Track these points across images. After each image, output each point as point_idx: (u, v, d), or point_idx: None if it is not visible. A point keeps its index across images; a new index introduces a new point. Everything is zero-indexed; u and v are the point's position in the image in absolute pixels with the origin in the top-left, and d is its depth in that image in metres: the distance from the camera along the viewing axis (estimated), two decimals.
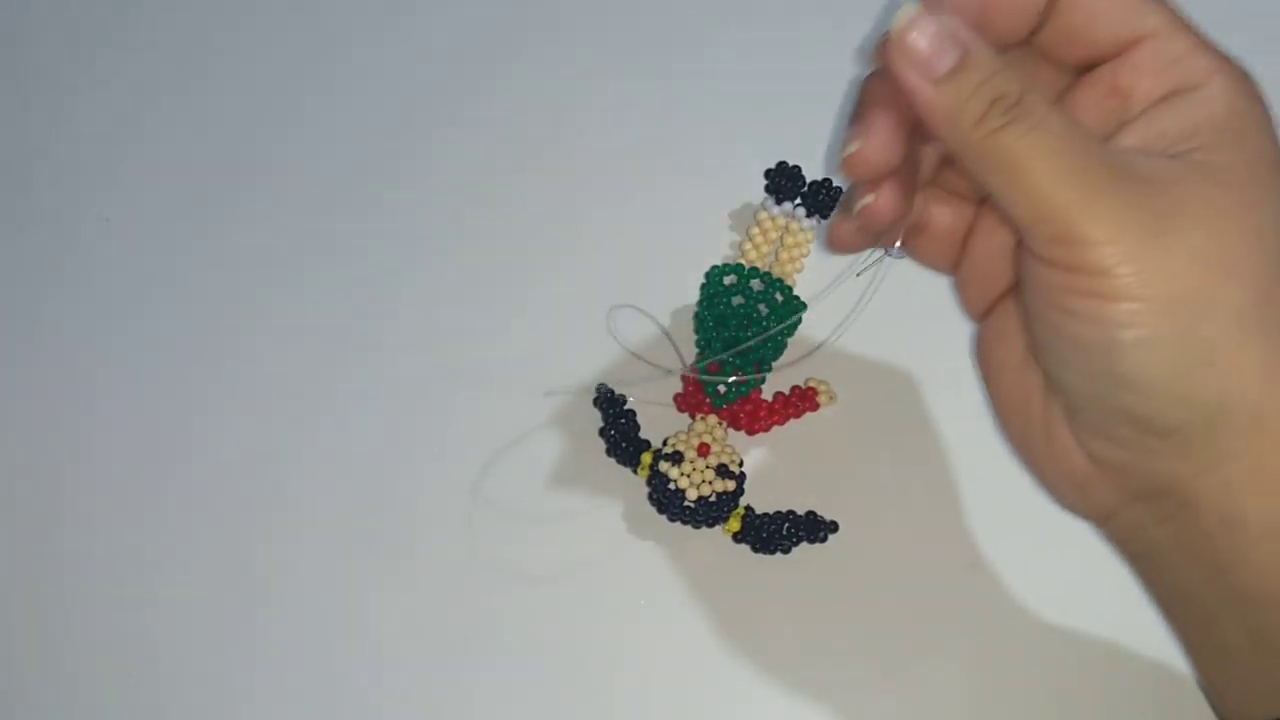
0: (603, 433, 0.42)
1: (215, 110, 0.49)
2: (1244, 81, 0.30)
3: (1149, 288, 0.28)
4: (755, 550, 0.40)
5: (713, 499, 0.40)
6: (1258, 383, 0.29)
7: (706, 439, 0.41)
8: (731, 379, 0.41)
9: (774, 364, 0.42)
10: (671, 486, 0.40)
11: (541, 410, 0.43)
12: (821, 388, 0.42)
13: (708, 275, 0.43)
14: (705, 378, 0.41)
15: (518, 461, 0.42)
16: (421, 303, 0.45)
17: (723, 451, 0.40)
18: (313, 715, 0.40)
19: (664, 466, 0.40)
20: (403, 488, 0.42)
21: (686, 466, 0.40)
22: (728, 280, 0.43)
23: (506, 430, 0.43)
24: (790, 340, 0.42)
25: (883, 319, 0.42)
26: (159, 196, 0.48)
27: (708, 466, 0.40)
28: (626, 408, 0.42)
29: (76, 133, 0.49)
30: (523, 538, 0.42)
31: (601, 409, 0.42)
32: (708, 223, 0.45)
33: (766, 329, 0.42)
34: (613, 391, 0.42)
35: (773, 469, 0.42)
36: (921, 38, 0.29)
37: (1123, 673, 0.39)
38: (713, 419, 0.41)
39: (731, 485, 0.40)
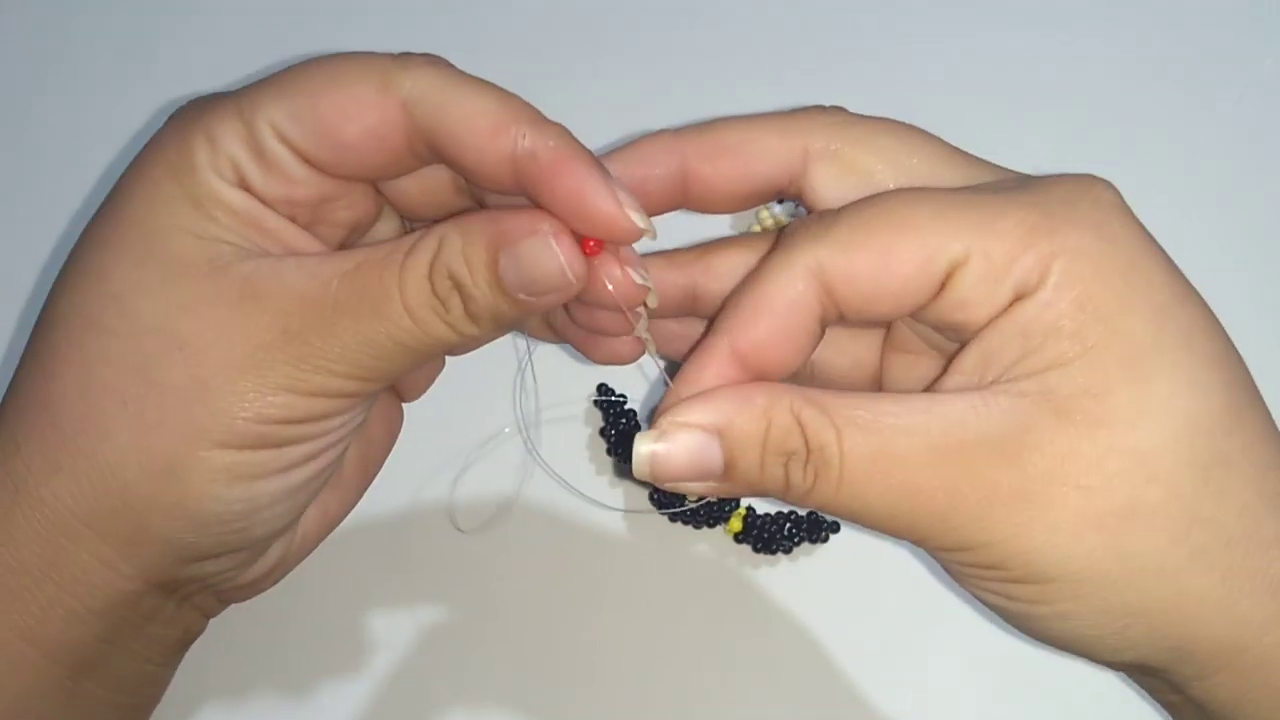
0: (604, 432, 0.42)
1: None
2: (1101, 240, 0.25)
3: (1046, 569, 0.25)
4: (756, 550, 0.40)
5: (714, 499, 0.40)
6: (1213, 619, 0.25)
7: None
8: None
9: None
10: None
11: (542, 410, 0.43)
12: None
13: None
14: None
15: (518, 461, 0.42)
16: None
17: None
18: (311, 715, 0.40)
19: None
20: (398, 489, 0.42)
21: None
22: None
23: (507, 430, 0.43)
24: None
25: None
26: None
27: None
28: (627, 407, 0.42)
29: (77, 133, 0.49)
30: (524, 538, 0.42)
31: (602, 409, 0.42)
32: (707, 221, 0.45)
33: None
34: (613, 391, 0.42)
35: None
36: (674, 464, 0.26)
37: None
38: None
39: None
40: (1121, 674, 0.30)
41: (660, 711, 0.40)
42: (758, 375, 0.27)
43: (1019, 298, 0.25)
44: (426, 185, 0.30)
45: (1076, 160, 0.46)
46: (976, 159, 0.29)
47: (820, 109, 0.30)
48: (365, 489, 0.34)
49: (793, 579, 0.40)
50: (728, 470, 0.26)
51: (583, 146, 0.27)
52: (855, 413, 0.25)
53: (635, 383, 0.43)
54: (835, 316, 0.27)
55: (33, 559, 0.28)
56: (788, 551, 0.40)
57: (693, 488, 0.27)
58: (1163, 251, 0.26)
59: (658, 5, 0.50)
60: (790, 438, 0.26)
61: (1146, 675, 0.28)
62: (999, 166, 0.29)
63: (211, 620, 0.33)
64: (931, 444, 0.25)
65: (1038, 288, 0.25)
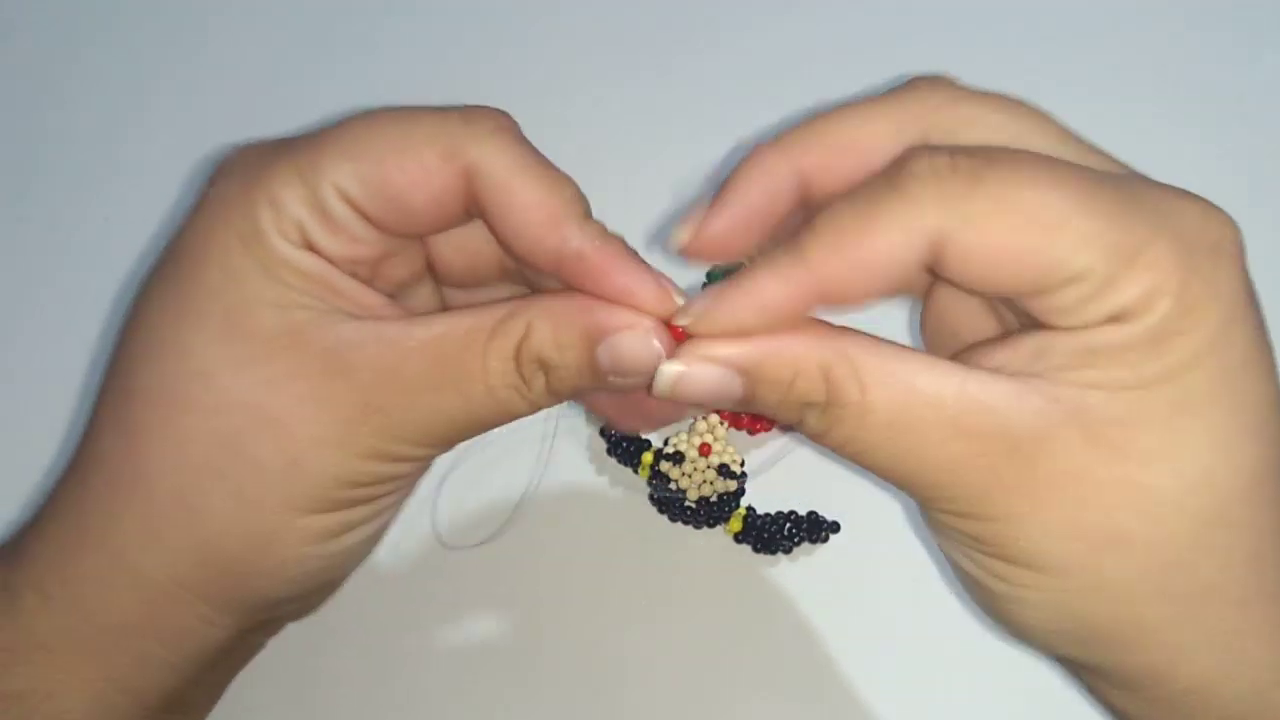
0: (603, 432, 0.42)
1: (215, 109, 0.49)
2: (1208, 291, 0.25)
3: (1023, 557, 0.26)
4: (756, 550, 0.40)
5: (714, 499, 0.40)
6: (1153, 647, 0.26)
7: (708, 439, 0.40)
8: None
9: None
10: (672, 486, 0.40)
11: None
12: None
13: (709, 275, 0.43)
14: None
15: (518, 460, 0.42)
16: None
17: (724, 451, 0.40)
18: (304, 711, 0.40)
19: (665, 466, 0.40)
20: None
21: (688, 466, 0.40)
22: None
23: (507, 428, 0.43)
24: None
25: (885, 318, 0.42)
26: (159, 196, 0.48)
27: (709, 466, 0.40)
28: None
29: (76, 133, 0.49)
30: (523, 538, 0.42)
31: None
32: None
33: None
34: None
35: (774, 469, 0.42)
36: (694, 389, 0.27)
37: None
38: (714, 418, 0.41)
39: (733, 485, 0.40)
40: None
41: (658, 711, 0.40)
42: (826, 304, 0.26)
43: (1111, 320, 0.25)
44: (468, 243, 0.31)
45: None
46: (1091, 146, 0.28)
47: (926, 83, 0.28)
48: None
49: (793, 579, 0.40)
50: (745, 401, 0.27)
51: (620, 239, 0.28)
52: (885, 374, 0.26)
53: None
54: (928, 269, 0.26)
55: (132, 619, 0.29)
56: (787, 551, 0.40)
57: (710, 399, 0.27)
58: (1257, 311, 0.26)
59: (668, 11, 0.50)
60: (814, 390, 0.26)
61: (1074, 670, 0.30)
62: (1111, 156, 0.28)
63: None
64: (953, 421, 0.25)
65: (1128, 319, 0.25)
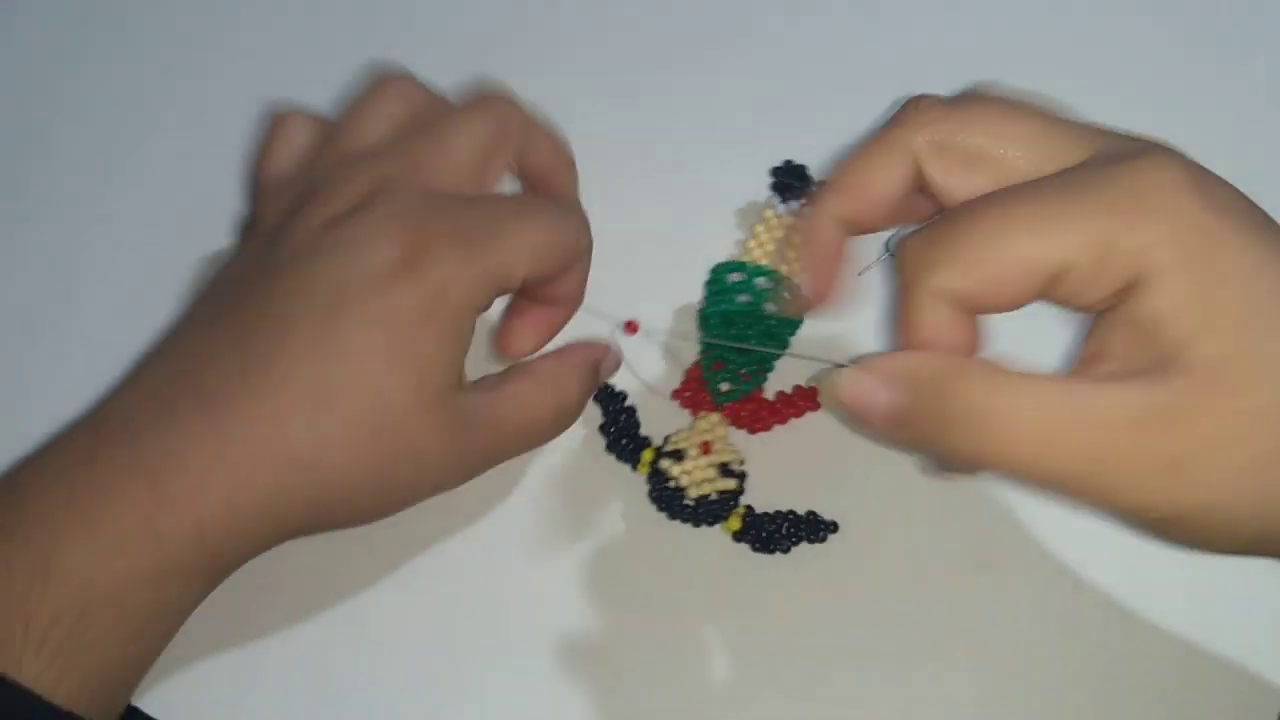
0: (603, 429, 0.42)
1: (216, 110, 0.49)
2: (1177, 224, 0.29)
3: (1200, 519, 0.29)
4: (755, 550, 0.40)
5: (713, 498, 0.40)
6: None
7: (709, 437, 0.40)
8: (726, 384, 0.41)
9: (775, 363, 0.42)
10: (672, 484, 0.40)
11: None
12: (815, 396, 0.42)
13: (713, 272, 0.43)
14: (709, 374, 0.41)
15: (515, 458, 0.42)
16: None
17: (725, 450, 0.40)
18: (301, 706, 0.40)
19: (665, 464, 0.40)
20: None
21: (688, 464, 0.40)
22: (733, 278, 0.43)
23: None
24: (794, 339, 0.42)
25: (886, 317, 0.42)
26: (160, 197, 0.48)
27: (710, 465, 0.40)
28: (627, 404, 0.42)
29: (76, 133, 0.49)
30: (520, 536, 0.41)
31: (602, 405, 0.42)
32: (711, 220, 0.45)
33: (771, 327, 0.41)
34: (613, 387, 0.42)
35: (774, 468, 0.42)
36: (868, 410, 0.32)
37: (1130, 675, 0.39)
38: (715, 417, 0.41)
39: (733, 484, 0.40)
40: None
41: (657, 711, 0.40)
42: (854, 227, 0.35)
43: (1127, 288, 0.29)
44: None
45: None
46: (1071, 123, 0.33)
47: (914, 105, 0.34)
48: None
49: (791, 579, 0.40)
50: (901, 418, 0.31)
51: None
52: (1018, 406, 0.29)
53: (634, 381, 0.43)
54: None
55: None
56: (786, 551, 0.40)
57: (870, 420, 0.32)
58: (1237, 207, 0.29)
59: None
60: (952, 399, 0.30)
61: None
62: (1090, 126, 0.33)
63: None
64: (1101, 422, 0.28)
65: (1138, 281, 0.28)
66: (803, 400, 0.42)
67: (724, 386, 0.41)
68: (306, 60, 0.50)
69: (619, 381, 0.42)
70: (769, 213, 0.44)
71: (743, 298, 0.42)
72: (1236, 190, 0.30)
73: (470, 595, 0.41)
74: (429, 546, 0.42)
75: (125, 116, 0.49)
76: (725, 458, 0.40)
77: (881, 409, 0.31)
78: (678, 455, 0.40)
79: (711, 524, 0.40)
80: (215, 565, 0.35)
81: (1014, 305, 0.31)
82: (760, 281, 0.42)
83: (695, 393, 0.42)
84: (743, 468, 0.40)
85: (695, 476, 0.40)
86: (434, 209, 0.36)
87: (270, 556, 0.41)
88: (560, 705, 0.40)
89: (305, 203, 0.37)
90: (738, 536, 0.40)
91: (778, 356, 0.42)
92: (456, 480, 0.37)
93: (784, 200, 0.44)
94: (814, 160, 0.45)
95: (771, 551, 0.40)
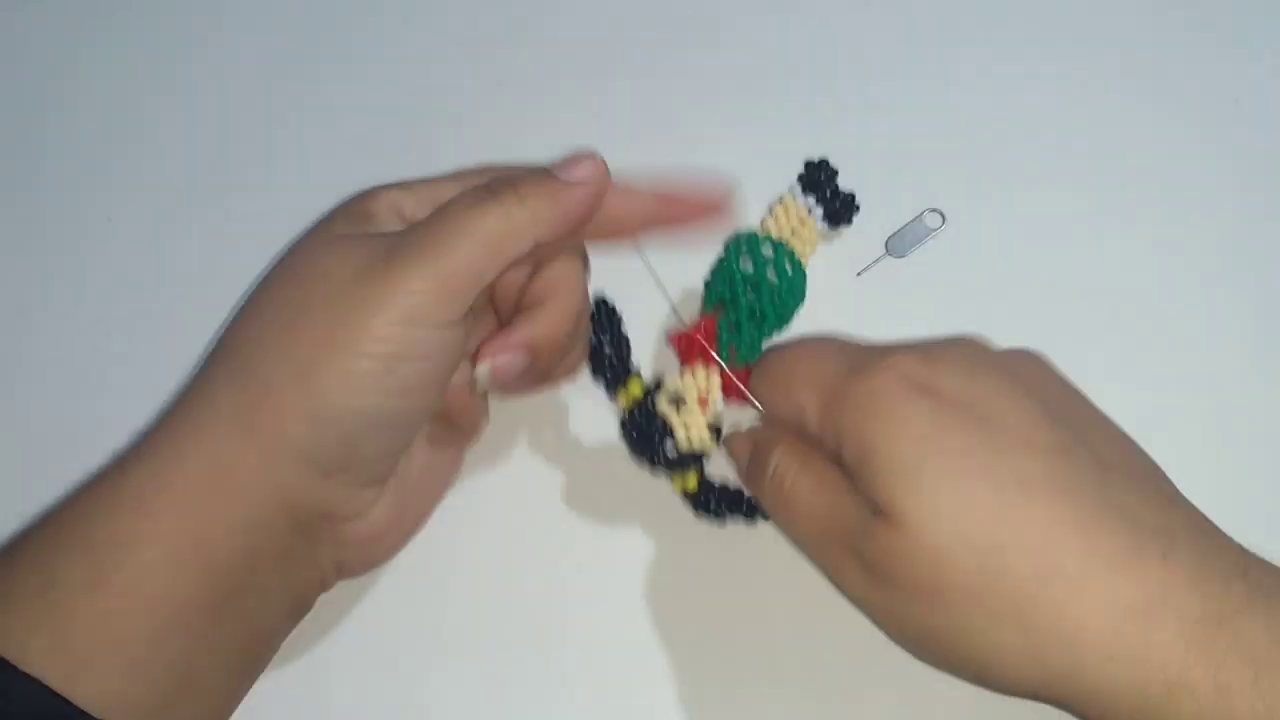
0: (594, 349, 0.41)
1: (216, 111, 0.49)
2: (866, 400, 0.34)
3: (855, 597, 0.36)
4: (710, 515, 0.40)
5: (688, 454, 0.39)
6: (1041, 661, 0.32)
7: (706, 393, 0.40)
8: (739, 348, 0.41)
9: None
10: (659, 426, 0.39)
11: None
12: None
13: (727, 243, 0.42)
14: (728, 334, 0.41)
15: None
16: None
17: (715, 410, 0.40)
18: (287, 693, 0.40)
19: (665, 407, 0.39)
20: None
21: (686, 416, 0.39)
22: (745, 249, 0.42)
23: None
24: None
25: (887, 317, 0.42)
26: (159, 197, 0.48)
27: (705, 421, 0.39)
28: (623, 329, 0.41)
29: (78, 133, 0.49)
30: (518, 534, 0.41)
31: (596, 322, 0.41)
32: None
33: (775, 295, 0.41)
34: (611, 304, 0.41)
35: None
36: (738, 447, 0.40)
37: None
38: (715, 375, 0.40)
39: (712, 447, 0.40)
40: None
41: (657, 711, 0.40)
42: None
43: (838, 447, 0.35)
44: None
45: (1072, 164, 0.46)
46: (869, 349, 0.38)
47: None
48: (432, 502, 0.40)
49: (792, 578, 0.40)
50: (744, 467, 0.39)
51: None
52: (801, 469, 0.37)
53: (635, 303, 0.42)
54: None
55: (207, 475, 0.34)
56: (749, 517, 0.40)
57: (736, 465, 0.40)
58: (927, 398, 0.34)
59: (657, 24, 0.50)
60: (768, 467, 0.37)
61: None
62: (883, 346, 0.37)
63: None
64: (832, 527, 0.36)
65: (841, 444, 0.35)
66: None
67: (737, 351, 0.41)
68: (309, 60, 0.50)
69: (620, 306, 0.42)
70: (788, 197, 0.44)
71: (746, 264, 0.41)
72: (996, 396, 0.34)
73: (468, 594, 0.41)
74: (427, 545, 0.42)
75: (130, 114, 0.49)
76: (716, 421, 0.40)
77: (737, 460, 0.40)
78: (679, 401, 0.40)
79: (672, 472, 0.40)
80: (227, 546, 0.34)
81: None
82: (766, 249, 0.42)
83: (697, 343, 0.41)
84: (719, 434, 0.40)
85: (691, 429, 0.39)
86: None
87: None
88: (558, 706, 0.40)
89: None
90: (692, 497, 0.40)
91: (780, 326, 0.41)
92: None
93: (805, 193, 0.44)
94: (847, 156, 0.45)
95: (723, 517, 0.40)
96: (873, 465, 0.33)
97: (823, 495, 0.36)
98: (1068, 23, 0.49)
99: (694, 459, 0.40)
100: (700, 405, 0.40)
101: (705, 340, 0.41)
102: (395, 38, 0.50)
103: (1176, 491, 0.34)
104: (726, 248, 0.42)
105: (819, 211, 0.44)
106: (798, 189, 0.44)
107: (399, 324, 0.34)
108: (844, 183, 0.44)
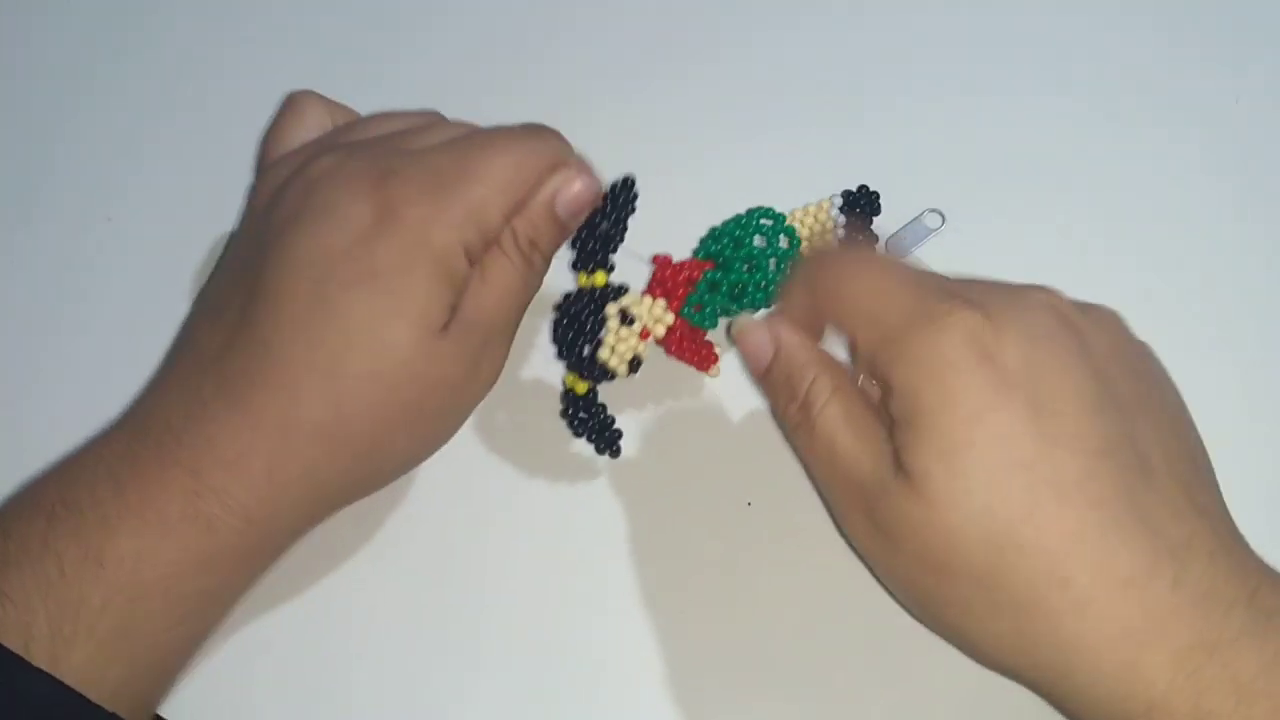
0: (591, 218, 0.40)
1: (215, 110, 0.49)
2: (926, 359, 0.33)
3: (866, 552, 0.36)
4: (572, 425, 0.41)
5: (606, 368, 0.40)
6: (1042, 661, 0.32)
7: (654, 325, 0.41)
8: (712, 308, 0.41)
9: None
10: (595, 325, 0.40)
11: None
12: (717, 362, 0.42)
13: (753, 211, 0.42)
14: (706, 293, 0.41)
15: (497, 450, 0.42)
16: None
17: (645, 344, 0.41)
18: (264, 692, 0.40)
19: (613, 310, 0.40)
20: None
21: (627, 333, 0.40)
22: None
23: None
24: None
25: None
26: (159, 196, 0.48)
27: (638, 348, 0.40)
28: (627, 218, 0.41)
29: (78, 132, 0.49)
30: (514, 532, 0.41)
31: (609, 195, 0.41)
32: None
33: (765, 283, 0.41)
34: (635, 192, 0.41)
35: (780, 467, 0.42)
36: (745, 340, 0.37)
37: None
38: (669, 317, 0.41)
39: (624, 374, 0.40)
40: None
41: (655, 710, 0.40)
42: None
43: (886, 388, 0.34)
44: None
45: (1072, 162, 0.47)
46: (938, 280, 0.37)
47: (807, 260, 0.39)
48: None
49: (792, 578, 0.40)
50: (766, 371, 0.37)
51: None
52: (833, 410, 0.35)
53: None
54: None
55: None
56: (578, 433, 0.41)
57: (749, 363, 0.38)
58: (987, 370, 0.32)
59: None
60: (799, 389, 0.36)
61: None
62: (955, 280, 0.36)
63: None
64: (852, 466, 0.35)
65: (890, 384, 0.33)
66: (699, 349, 0.42)
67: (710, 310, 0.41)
68: (308, 58, 0.50)
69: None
70: (826, 204, 0.43)
71: (760, 241, 0.41)
72: (1058, 371, 0.33)
73: (464, 593, 0.41)
74: (425, 546, 0.42)
75: (131, 114, 0.50)
76: (642, 351, 0.40)
77: (758, 356, 0.37)
78: (628, 318, 0.40)
79: (579, 375, 0.41)
80: (264, 547, 0.36)
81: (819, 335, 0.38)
82: (783, 241, 0.42)
83: (672, 279, 0.41)
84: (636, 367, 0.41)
85: (621, 347, 0.40)
86: (400, 158, 0.37)
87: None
88: (556, 704, 0.40)
89: (295, 176, 0.37)
90: (569, 396, 0.41)
91: (762, 297, 0.41)
92: (483, 386, 0.38)
93: (842, 210, 0.43)
94: (847, 156, 0.45)
95: (573, 429, 0.41)
96: (916, 428, 0.32)
97: (848, 434, 0.35)
98: (1068, 25, 0.50)
99: (600, 373, 0.40)
100: (641, 334, 0.40)
101: (685, 282, 0.41)
102: (409, 23, 0.50)
103: (1211, 494, 0.34)
104: (750, 214, 0.42)
105: (841, 233, 0.43)
106: (838, 202, 0.43)
107: (424, 331, 0.35)
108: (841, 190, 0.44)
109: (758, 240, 0.41)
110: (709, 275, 0.41)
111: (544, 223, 0.38)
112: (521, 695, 0.39)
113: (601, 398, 0.41)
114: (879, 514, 0.33)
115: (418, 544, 0.41)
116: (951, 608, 0.33)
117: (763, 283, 0.41)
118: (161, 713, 0.38)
